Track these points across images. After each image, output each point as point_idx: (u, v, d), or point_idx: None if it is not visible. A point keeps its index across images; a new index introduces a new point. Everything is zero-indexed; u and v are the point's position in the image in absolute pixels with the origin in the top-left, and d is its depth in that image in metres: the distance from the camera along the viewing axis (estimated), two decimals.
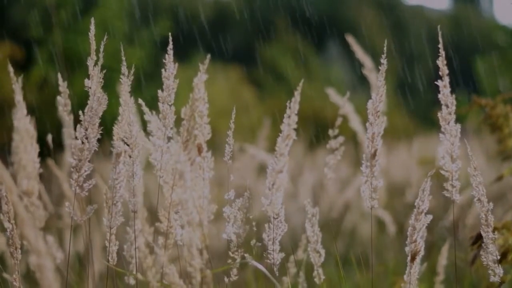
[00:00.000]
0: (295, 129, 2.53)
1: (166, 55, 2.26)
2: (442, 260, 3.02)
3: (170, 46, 2.27)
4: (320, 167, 6.40)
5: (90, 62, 2.20)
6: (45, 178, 3.31)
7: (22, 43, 10.00)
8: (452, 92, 2.20)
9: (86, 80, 2.20)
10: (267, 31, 22.14)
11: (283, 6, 24.25)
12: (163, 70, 2.27)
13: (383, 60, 2.21)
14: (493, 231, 2.14)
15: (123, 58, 2.23)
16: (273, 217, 2.16)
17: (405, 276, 2.12)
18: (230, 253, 2.22)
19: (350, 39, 4.27)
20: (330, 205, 5.37)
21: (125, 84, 2.23)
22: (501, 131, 3.09)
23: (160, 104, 2.28)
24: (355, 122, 3.97)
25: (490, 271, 2.14)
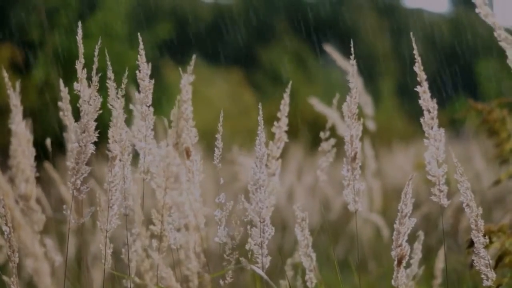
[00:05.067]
0: (288, 132, 2.54)
1: (139, 56, 2.27)
2: (439, 263, 3.02)
3: (141, 46, 2.28)
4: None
5: (78, 66, 2.21)
6: (46, 181, 3.32)
7: (22, 46, 10.01)
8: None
9: (75, 84, 2.21)
10: (267, 34, 22.15)
11: (283, 9, 24.26)
12: (137, 71, 2.28)
13: (352, 62, 2.23)
14: (484, 236, 2.15)
15: (108, 60, 2.22)
16: (260, 221, 2.16)
17: (392, 281, 2.13)
18: (225, 255, 2.23)
19: (329, 48, 4.31)
20: (328, 207, 5.38)
21: (111, 88, 2.23)
22: (498, 136, 3.10)
23: (138, 106, 2.29)
24: (342, 129, 4.00)
25: (483, 275, 2.14)
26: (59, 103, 2.56)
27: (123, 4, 11.09)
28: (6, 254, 2.17)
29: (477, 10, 2.21)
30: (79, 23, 2.23)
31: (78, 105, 2.22)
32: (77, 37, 2.21)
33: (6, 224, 2.13)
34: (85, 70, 2.23)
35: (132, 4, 12.55)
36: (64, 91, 2.54)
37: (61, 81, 2.55)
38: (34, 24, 10.10)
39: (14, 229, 2.12)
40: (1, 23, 10.73)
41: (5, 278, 2.55)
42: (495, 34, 2.20)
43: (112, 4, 10.78)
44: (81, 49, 2.21)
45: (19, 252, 2.17)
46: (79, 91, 2.21)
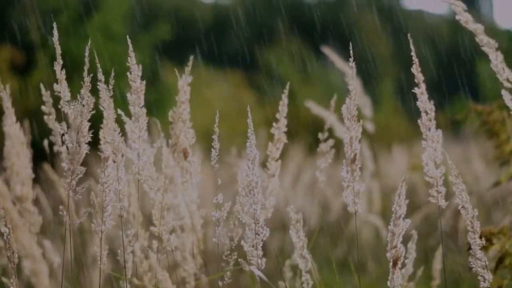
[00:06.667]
0: (288, 133, 2.54)
1: (129, 58, 2.26)
2: (437, 264, 3.02)
3: (131, 48, 2.27)
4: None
5: (57, 67, 2.21)
6: (46, 182, 3.32)
7: (22, 47, 10.00)
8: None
9: (55, 85, 2.21)
10: (267, 35, 22.15)
11: (283, 11, 24.26)
12: (128, 73, 2.27)
13: (352, 64, 2.23)
14: (481, 237, 2.15)
15: (97, 62, 2.22)
16: (254, 223, 2.16)
17: (388, 282, 2.12)
18: (223, 256, 2.23)
19: (327, 50, 4.33)
20: (327, 208, 5.38)
21: (102, 90, 2.23)
22: (498, 137, 3.09)
23: (131, 108, 2.29)
24: (340, 131, 4.02)
25: (480, 277, 2.14)
26: (42, 107, 2.56)
27: (122, 5, 11.08)
28: (5, 255, 2.17)
29: (457, 17, 2.22)
30: (54, 24, 2.22)
31: (59, 106, 2.22)
32: (53, 38, 2.21)
33: (5, 225, 2.13)
34: (64, 71, 2.23)
35: (131, 5, 12.54)
36: (46, 95, 2.55)
37: (41, 85, 2.55)
38: (33, 25, 10.09)
39: (12, 231, 2.12)
40: (1, 24, 10.73)
41: (4, 279, 2.55)
42: (477, 39, 2.21)
43: (111, 5, 10.77)
44: (58, 50, 2.21)
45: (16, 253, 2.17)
46: (59, 92, 2.21)
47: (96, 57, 2.23)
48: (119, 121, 2.29)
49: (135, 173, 2.29)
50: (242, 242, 2.16)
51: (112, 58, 9.08)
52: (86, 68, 2.19)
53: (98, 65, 2.22)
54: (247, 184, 2.15)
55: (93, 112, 2.19)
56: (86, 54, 2.19)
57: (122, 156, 2.24)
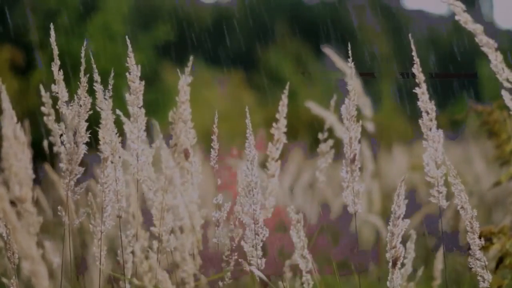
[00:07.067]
0: (288, 133, 2.54)
1: (128, 58, 2.26)
2: (438, 264, 3.02)
3: (130, 49, 2.27)
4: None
5: (54, 68, 2.21)
6: (46, 183, 3.31)
7: (22, 47, 10.00)
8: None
9: (53, 86, 2.21)
10: (267, 35, 22.15)
11: (284, 11, 24.26)
12: (127, 73, 2.27)
13: (351, 65, 2.23)
14: (480, 237, 2.15)
15: (94, 63, 2.22)
16: (254, 223, 2.15)
17: (388, 282, 2.12)
18: (223, 257, 2.23)
19: (327, 50, 4.33)
20: (327, 208, 5.38)
21: (99, 91, 2.23)
22: (498, 137, 3.10)
23: (129, 108, 2.29)
24: (340, 131, 4.02)
25: (479, 277, 2.15)
26: (42, 108, 2.56)
27: (122, 5, 11.08)
28: (5, 256, 2.17)
29: (456, 18, 2.22)
30: (51, 25, 2.22)
31: (57, 107, 2.22)
32: (50, 39, 2.21)
33: (6, 226, 2.13)
34: (61, 72, 2.23)
35: (131, 5, 12.54)
36: (45, 96, 2.55)
37: (41, 86, 2.56)
38: (33, 25, 10.09)
39: (11, 232, 2.12)
40: (1, 24, 10.73)
41: (4, 280, 2.55)
42: (477, 40, 2.21)
43: (111, 5, 10.78)
44: (55, 51, 2.21)
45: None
46: (57, 93, 2.22)
47: (92, 57, 2.23)
48: (119, 122, 2.29)
49: (133, 173, 2.29)
50: (242, 243, 2.16)
51: (112, 58, 9.08)
52: (82, 68, 2.19)
53: (94, 66, 2.21)
54: (246, 185, 2.15)
55: (91, 112, 2.19)
56: (82, 54, 2.19)
57: (120, 157, 2.24)
